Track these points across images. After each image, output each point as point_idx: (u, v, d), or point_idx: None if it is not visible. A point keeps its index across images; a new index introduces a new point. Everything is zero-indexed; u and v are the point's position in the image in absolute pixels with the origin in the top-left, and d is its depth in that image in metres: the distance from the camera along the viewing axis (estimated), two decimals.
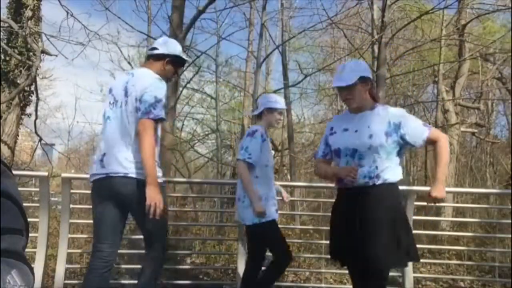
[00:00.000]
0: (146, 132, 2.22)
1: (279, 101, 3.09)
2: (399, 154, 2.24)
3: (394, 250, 2.09)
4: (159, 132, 2.44)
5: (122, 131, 2.32)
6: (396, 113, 2.25)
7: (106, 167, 2.31)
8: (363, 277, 2.17)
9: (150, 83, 2.32)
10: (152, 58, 2.52)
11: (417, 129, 2.20)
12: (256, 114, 3.14)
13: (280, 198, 3.34)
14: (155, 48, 2.53)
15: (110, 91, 2.49)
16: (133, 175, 2.27)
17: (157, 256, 2.44)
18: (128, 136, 2.30)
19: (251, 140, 2.91)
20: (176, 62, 2.56)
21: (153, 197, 2.17)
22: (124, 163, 2.27)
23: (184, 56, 2.64)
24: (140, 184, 2.24)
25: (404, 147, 2.25)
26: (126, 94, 2.35)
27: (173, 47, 2.55)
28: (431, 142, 2.22)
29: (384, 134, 2.17)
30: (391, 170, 2.18)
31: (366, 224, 2.12)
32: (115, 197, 2.31)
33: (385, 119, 2.21)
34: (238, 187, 2.98)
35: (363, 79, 2.21)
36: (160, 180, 2.29)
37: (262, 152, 2.93)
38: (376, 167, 2.15)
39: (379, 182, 2.15)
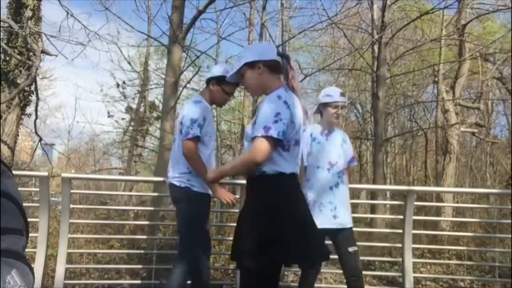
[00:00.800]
0: (189, 151, 2.60)
1: (331, 94, 2.79)
2: (278, 144, 1.86)
3: (241, 249, 1.89)
4: (212, 143, 2.78)
5: (176, 149, 2.74)
6: (265, 100, 1.93)
7: (169, 179, 2.78)
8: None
9: (187, 108, 2.70)
10: (206, 84, 2.84)
11: (256, 125, 1.87)
12: (315, 112, 2.89)
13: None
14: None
15: None
16: (175, 182, 2.70)
17: (185, 258, 2.66)
18: (178, 152, 2.69)
19: None
20: (222, 82, 2.69)
21: (219, 196, 2.65)
22: (172, 174, 2.72)
23: (228, 74, 2.68)
24: (180, 190, 2.66)
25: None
26: (179, 119, 2.76)
27: (215, 68, 2.82)
28: None
29: (252, 124, 1.97)
30: (266, 164, 1.87)
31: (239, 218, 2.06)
32: (173, 202, 2.82)
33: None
34: None
35: (249, 64, 1.98)
36: (196, 189, 2.64)
37: (312, 153, 2.71)
38: None
39: (257, 174, 1.92)
